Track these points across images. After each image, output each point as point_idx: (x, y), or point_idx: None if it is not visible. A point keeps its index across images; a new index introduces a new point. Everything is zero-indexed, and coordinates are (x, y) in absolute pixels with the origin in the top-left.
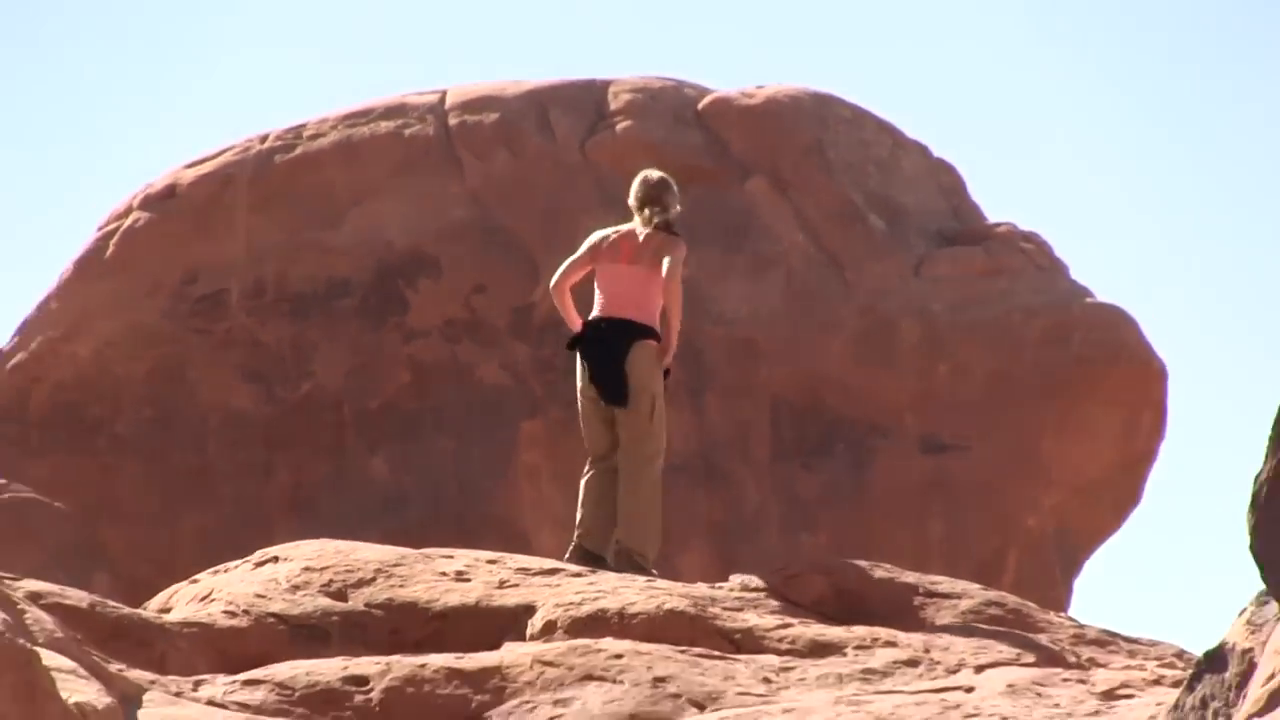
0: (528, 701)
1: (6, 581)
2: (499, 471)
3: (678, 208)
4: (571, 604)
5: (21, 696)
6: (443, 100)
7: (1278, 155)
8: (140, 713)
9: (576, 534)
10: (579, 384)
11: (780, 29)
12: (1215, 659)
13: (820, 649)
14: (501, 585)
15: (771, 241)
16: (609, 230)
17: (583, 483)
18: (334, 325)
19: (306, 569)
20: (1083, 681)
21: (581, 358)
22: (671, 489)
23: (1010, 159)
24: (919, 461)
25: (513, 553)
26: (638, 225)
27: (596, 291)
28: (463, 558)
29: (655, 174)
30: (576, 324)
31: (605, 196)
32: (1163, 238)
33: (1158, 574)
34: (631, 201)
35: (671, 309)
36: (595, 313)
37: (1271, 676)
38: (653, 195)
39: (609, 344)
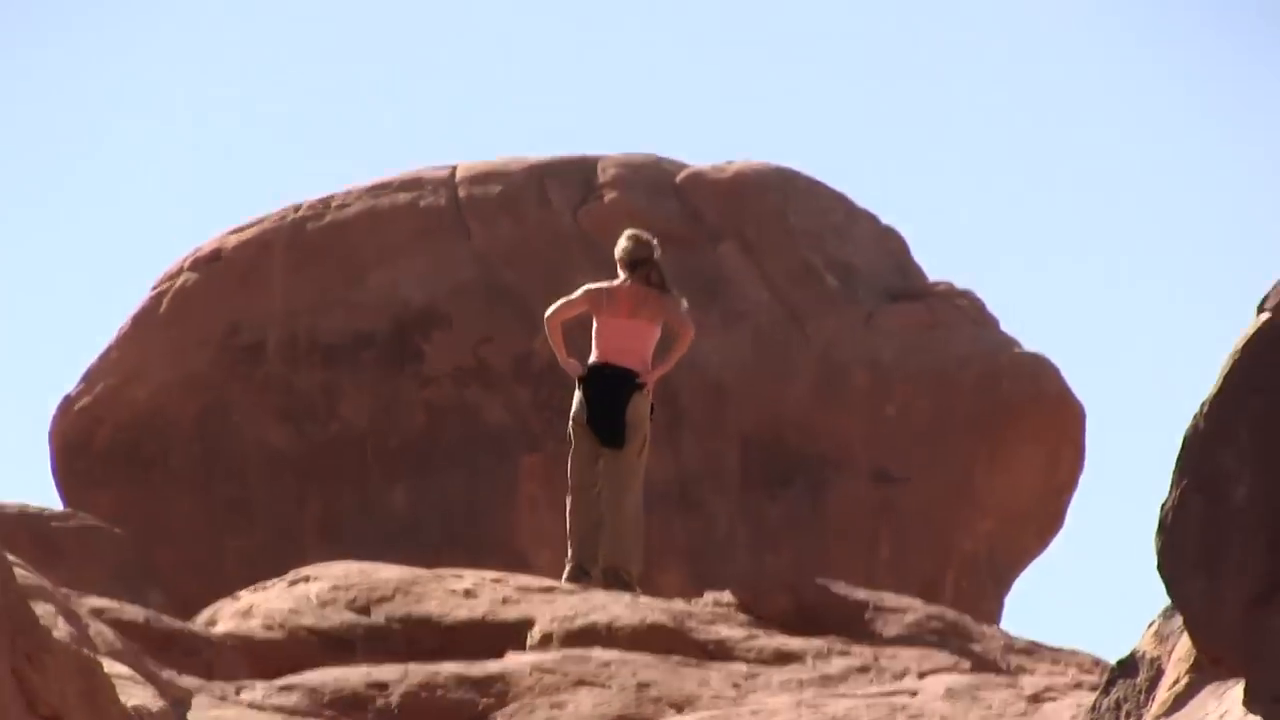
0: (528, 704)
1: (72, 598)
2: (502, 501)
3: (656, 265)
4: (566, 618)
5: (86, 700)
6: (453, 175)
7: (1183, 220)
8: (189, 715)
9: (570, 556)
10: (573, 412)
11: (748, 107)
12: (1127, 666)
13: (783, 658)
14: (504, 601)
15: (740, 298)
16: (603, 284)
17: (569, 510)
18: (358, 372)
19: (334, 587)
20: (1012, 686)
21: (585, 397)
22: (652, 515)
23: (950, 224)
24: (869, 491)
25: (514, 573)
26: (627, 281)
27: (596, 338)
28: (470, 577)
29: (644, 235)
30: (564, 354)
31: (595, 258)
32: (1083, 292)
33: (1078, 591)
34: (622, 256)
35: (680, 349)
36: (597, 357)
37: (1176, 681)
38: (645, 255)
39: (613, 391)
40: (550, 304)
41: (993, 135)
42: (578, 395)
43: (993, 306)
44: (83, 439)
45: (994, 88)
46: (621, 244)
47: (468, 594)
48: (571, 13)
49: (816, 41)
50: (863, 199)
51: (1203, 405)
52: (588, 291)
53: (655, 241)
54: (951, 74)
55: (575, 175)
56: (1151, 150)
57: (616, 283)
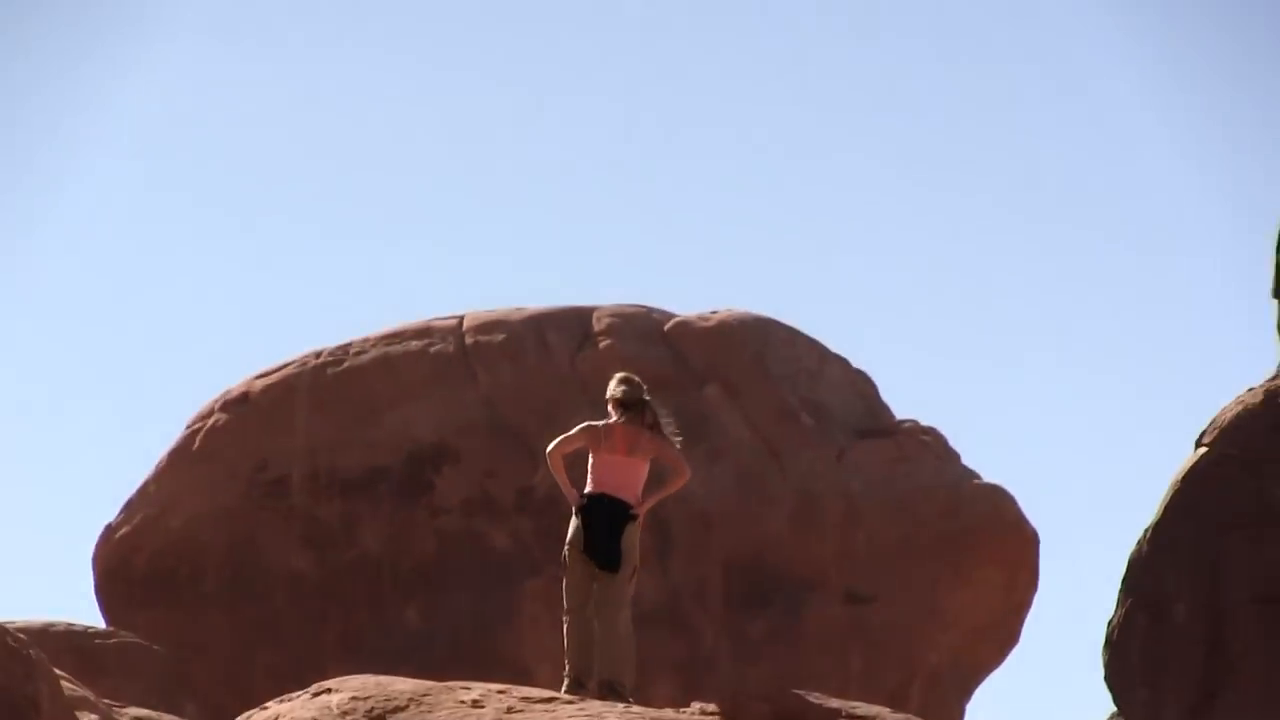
0: None
1: (114, 709)
2: (507, 620)
3: (646, 404)
4: None
5: None
6: (460, 324)
7: (1127, 361)
8: None
9: (568, 670)
10: (570, 538)
11: (732, 258)
12: None
13: None
14: (509, 711)
15: (723, 436)
16: (599, 422)
17: (567, 628)
18: (375, 503)
19: (353, 698)
20: None
21: (582, 524)
22: (643, 632)
23: (916, 366)
24: (841, 610)
25: (518, 685)
26: (621, 419)
27: (593, 471)
28: (478, 689)
29: (635, 378)
30: (567, 485)
31: (591, 400)
32: (1039, 427)
33: (1033, 699)
34: (618, 397)
35: (676, 485)
36: (593, 488)
37: None
38: (638, 397)
39: (608, 520)
40: (550, 441)
41: (957, 286)
42: (575, 523)
43: (955, 441)
44: (122, 564)
45: (953, 242)
46: (614, 386)
47: (475, 704)
48: (569, 170)
49: (796, 201)
50: (835, 344)
51: (1146, 531)
52: (585, 429)
53: (635, 379)
54: (914, 233)
55: (573, 324)
56: (1094, 299)
57: (612, 421)
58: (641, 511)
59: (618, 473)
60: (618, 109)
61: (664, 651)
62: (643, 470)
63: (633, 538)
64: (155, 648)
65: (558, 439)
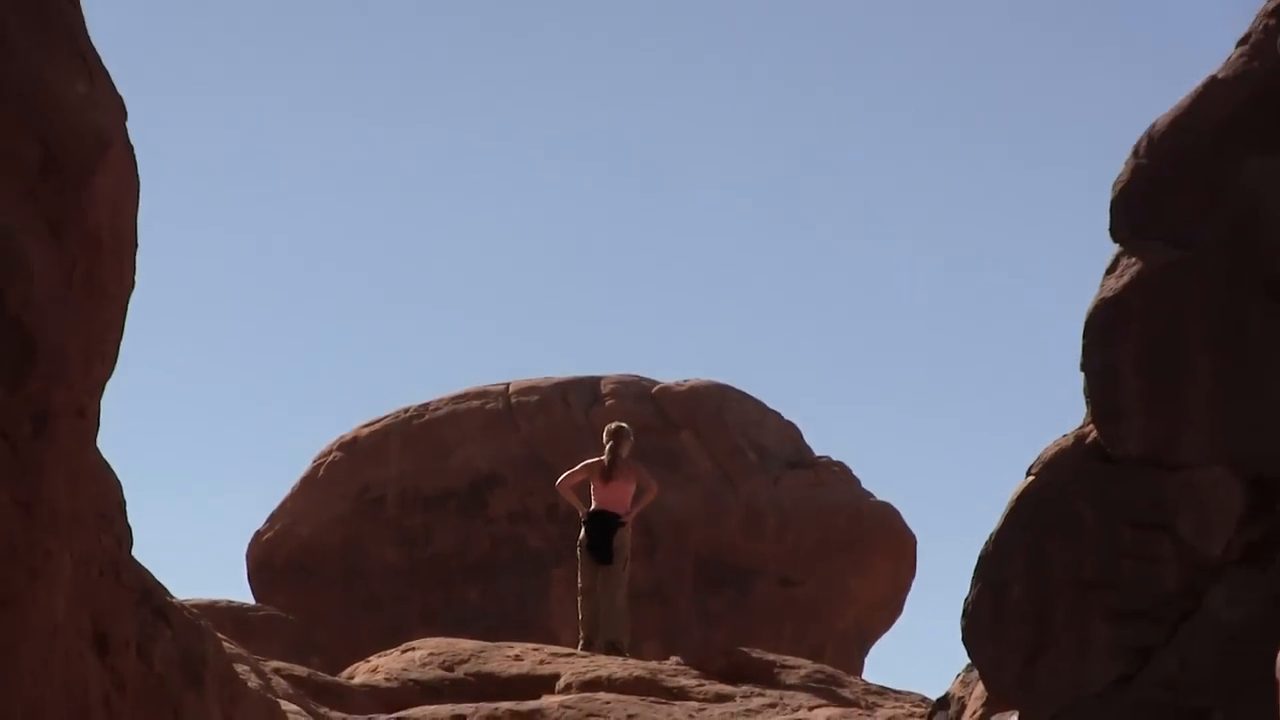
0: None
1: (260, 661)
2: (540, 598)
3: (629, 442)
4: (580, 673)
5: None
6: (507, 388)
7: (984, 402)
8: None
9: (581, 634)
10: (580, 541)
11: (699, 335)
12: (942, 702)
13: (721, 698)
14: (541, 663)
15: (692, 467)
16: (592, 460)
17: (580, 605)
18: (446, 516)
19: (431, 654)
20: (869, 716)
21: (586, 530)
22: (635, 606)
23: (829, 417)
24: (777, 591)
25: (547, 645)
26: (606, 456)
27: (593, 494)
28: (519, 648)
29: (614, 425)
30: (576, 503)
31: (599, 442)
32: (921, 460)
33: (914, 654)
34: (605, 433)
35: (649, 495)
36: (595, 506)
37: (975, 712)
38: (613, 437)
39: (604, 528)
40: (564, 474)
41: (860, 355)
42: (582, 530)
43: (857, 470)
44: (267, 559)
45: (859, 321)
46: (605, 431)
47: (517, 658)
48: (580, 269)
49: (746, 292)
50: (772, 402)
51: (991, 536)
52: (584, 466)
53: (627, 427)
54: (833, 316)
55: (586, 389)
56: (970, 364)
57: (602, 458)
58: (629, 520)
59: (609, 494)
60: (621, 225)
61: (650, 621)
62: (627, 490)
63: (624, 539)
64: (290, 618)
65: (564, 474)
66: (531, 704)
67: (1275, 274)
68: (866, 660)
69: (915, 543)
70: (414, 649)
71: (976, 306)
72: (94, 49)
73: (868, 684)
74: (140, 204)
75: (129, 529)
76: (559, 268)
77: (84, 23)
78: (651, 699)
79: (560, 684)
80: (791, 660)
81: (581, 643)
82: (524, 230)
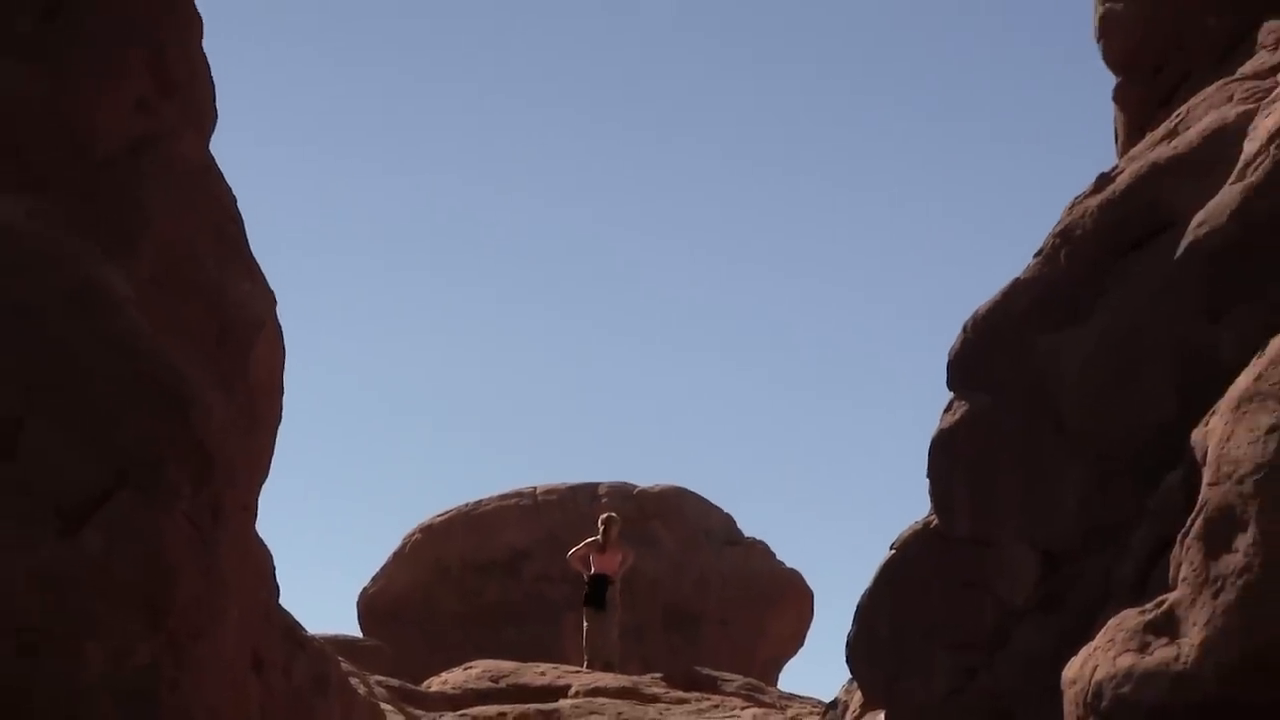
0: (575, 718)
1: (366, 676)
2: (557, 633)
3: (617, 527)
4: (585, 684)
5: None
6: (535, 490)
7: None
8: None
9: (586, 659)
10: (585, 595)
11: (669, 449)
12: (833, 704)
13: (681, 701)
14: (558, 677)
15: (661, 546)
16: (593, 538)
17: (585, 639)
18: (494, 579)
19: (483, 671)
20: (782, 714)
21: (587, 587)
22: (623, 640)
23: (755, 508)
24: (719, 629)
25: (563, 665)
26: (602, 535)
27: (593, 561)
28: (543, 667)
29: (606, 515)
30: (580, 570)
31: (596, 528)
32: (821, 533)
33: (812, 672)
34: (600, 525)
35: (630, 563)
36: (594, 570)
37: (854, 713)
38: (605, 523)
39: (601, 586)
40: (572, 549)
41: (782, 454)
42: (586, 588)
43: (773, 545)
44: (371, 607)
45: (775, 426)
46: (600, 520)
47: (541, 674)
48: (572, 385)
49: (702, 420)
50: (714, 498)
51: (866, 591)
52: (585, 543)
53: (616, 516)
54: (755, 422)
55: (588, 491)
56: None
57: (597, 537)
58: (617, 580)
59: (603, 563)
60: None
61: (632, 649)
62: (615, 559)
63: (614, 593)
64: (386, 647)
65: (572, 550)
66: (551, 705)
67: (1059, 416)
68: (780, 676)
69: (812, 596)
70: (471, 668)
71: (859, 433)
72: (254, 257)
73: (781, 692)
74: (285, 362)
75: (277, 585)
76: (572, 404)
77: (247, 239)
78: (634, 702)
79: (571, 691)
80: (728, 675)
81: (586, 664)
82: (551, 376)
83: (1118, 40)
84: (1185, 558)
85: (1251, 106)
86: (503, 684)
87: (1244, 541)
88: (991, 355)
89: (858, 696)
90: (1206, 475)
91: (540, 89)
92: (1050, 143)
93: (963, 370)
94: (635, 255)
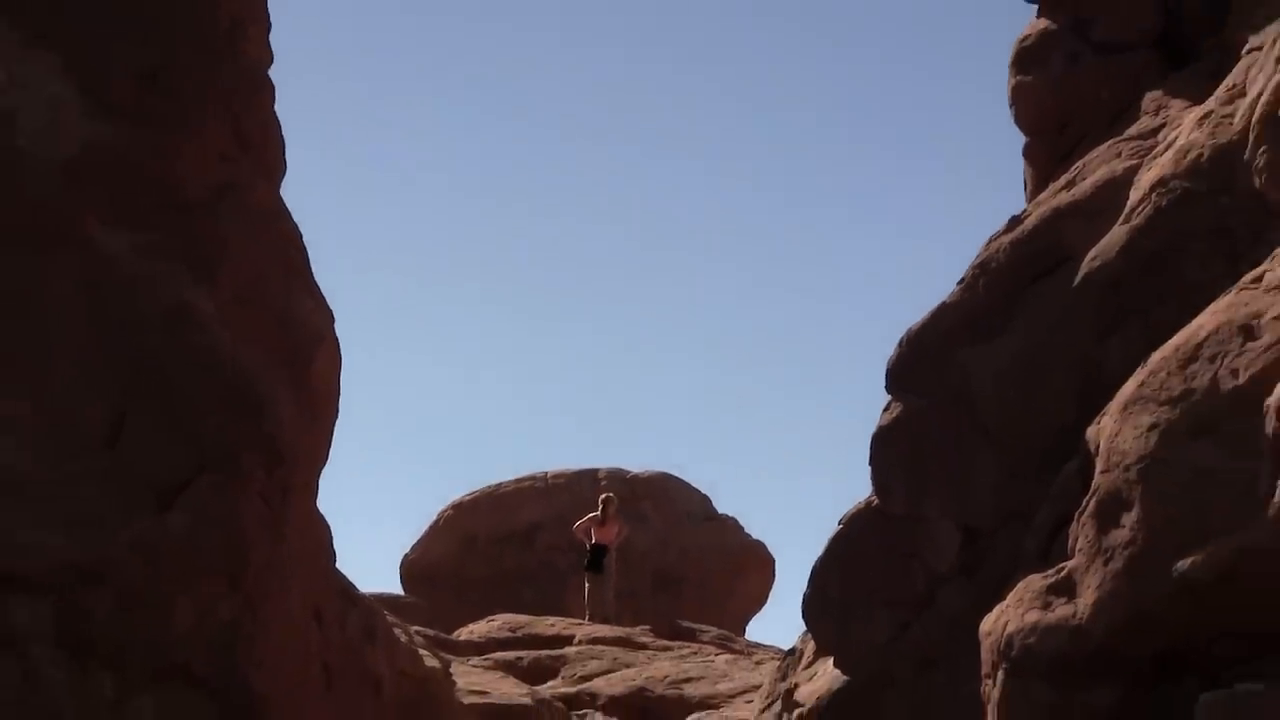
0: (575, 664)
1: (407, 627)
2: (563, 592)
3: (614, 505)
4: (587, 634)
5: (413, 665)
6: (546, 475)
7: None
8: (452, 669)
9: (588, 614)
10: (586, 561)
11: (657, 435)
12: (791, 652)
13: (666, 649)
14: (565, 628)
15: (649, 522)
16: (594, 514)
17: (586, 596)
18: (513, 549)
19: (504, 623)
20: (749, 658)
21: (589, 555)
22: (617, 599)
23: (733, 488)
24: (697, 590)
25: (570, 618)
26: (601, 512)
27: (593, 533)
28: (553, 620)
29: (604, 495)
30: (583, 540)
31: (596, 506)
32: (785, 506)
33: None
34: (600, 503)
35: (624, 535)
36: (594, 541)
37: (809, 659)
38: (606, 501)
39: (599, 553)
40: (576, 523)
41: (753, 450)
42: (587, 556)
43: (742, 519)
44: (411, 570)
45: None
46: (600, 500)
47: (552, 626)
48: (583, 378)
49: (686, 395)
50: (695, 481)
51: (819, 558)
52: (587, 518)
53: (613, 496)
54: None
55: (589, 476)
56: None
57: (598, 514)
58: (613, 549)
59: (602, 534)
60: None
61: (625, 607)
62: (613, 532)
63: (610, 560)
64: (424, 603)
65: (577, 523)
66: (559, 651)
67: (977, 416)
68: (747, 628)
69: (774, 562)
70: (494, 620)
71: (818, 427)
72: (315, 281)
73: (748, 641)
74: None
75: (334, 552)
76: (577, 401)
77: (310, 265)
78: (627, 649)
79: (575, 640)
80: (705, 627)
81: (587, 618)
82: (565, 375)
83: (1027, 108)
84: (1081, 532)
85: (1136, 162)
86: (519, 634)
87: (1129, 519)
88: (921, 366)
89: (811, 645)
90: (1099, 465)
91: (538, 92)
92: (974, 189)
93: (898, 378)
94: (632, 271)
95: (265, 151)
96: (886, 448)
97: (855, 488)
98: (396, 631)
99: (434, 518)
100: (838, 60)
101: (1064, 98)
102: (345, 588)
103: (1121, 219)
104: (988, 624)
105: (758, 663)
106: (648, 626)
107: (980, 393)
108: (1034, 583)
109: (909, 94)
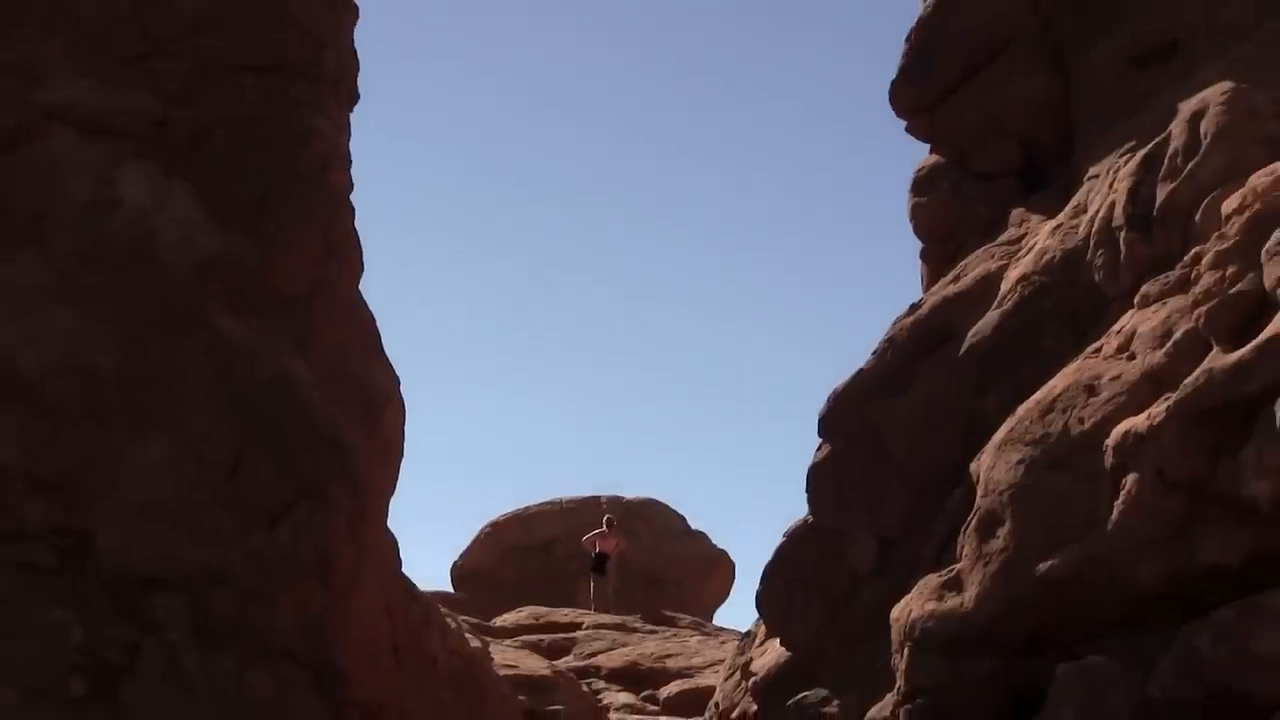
0: (584, 643)
1: (455, 615)
2: (578, 591)
3: (614, 524)
4: (594, 622)
5: (459, 645)
6: (561, 501)
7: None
8: (491, 648)
9: (593, 607)
10: (592, 566)
11: (644, 465)
12: (747, 634)
13: (652, 632)
14: (576, 617)
15: (641, 538)
16: (599, 530)
17: (592, 595)
18: (536, 558)
19: (528, 614)
20: (716, 638)
21: (594, 562)
22: (617, 596)
23: (705, 507)
24: (676, 588)
25: (581, 609)
26: (604, 528)
27: (598, 545)
28: (567, 610)
29: (606, 516)
30: (590, 550)
31: (599, 524)
32: (747, 520)
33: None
34: (603, 522)
35: (622, 547)
36: (598, 551)
37: (761, 639)
38: (608, 522)
39: (602, 561)
40: (585, 537)
41: (721, 478)
42: (593, 563)
43: (709, 533)
44: (459, 574)
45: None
46: (604, 520)
47: (566, 615)
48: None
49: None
50: (674, 505)
51: (768, 564)
52: (593, 534)
53: (613, 517)
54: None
55: (594, 502)
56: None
57: (602, 530)
58: (614, 558)
59: (605, 546)
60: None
61: (622, 601)
62: (614, 543)
63: (611, 567)
64: (468, 599)
65: (584, 537)
66: (571, 634)
67: (888, 454)
68: (715, 616)
69: (734, 566)
70: (521, 611)
71: (771, 456)
72: (384, 352)
73: (716, 626)
74: (406, 420)
75: (400, 559)
76: (591, 440)
77: (381, 340)
78: (623, 632)
79: (584, 626)
80: (682, 615)
81: (593, 610)
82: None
83: (923, 221)
84: (966, 542)
85: (1005, 262)
86: (541, 621)
87: (1003, 532)
88: (845, 415)
89: (763, 629)
90: (979, 491)
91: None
92: (888, 280)
93: (827, 424)
94: (628, 322)
95: (347, 256)
96: (819, 478)
97: (796, 508)
98: (448, 620)
99: (477, 533)
100: (786, 188)
101: (950, 214)
102: (409, 587)
103: (995, 304)
104: (896, 612)
105: (722, 643)
106: (639, 615)
107: (890, 436)
108: (931, 581)
109: (843, 214)
